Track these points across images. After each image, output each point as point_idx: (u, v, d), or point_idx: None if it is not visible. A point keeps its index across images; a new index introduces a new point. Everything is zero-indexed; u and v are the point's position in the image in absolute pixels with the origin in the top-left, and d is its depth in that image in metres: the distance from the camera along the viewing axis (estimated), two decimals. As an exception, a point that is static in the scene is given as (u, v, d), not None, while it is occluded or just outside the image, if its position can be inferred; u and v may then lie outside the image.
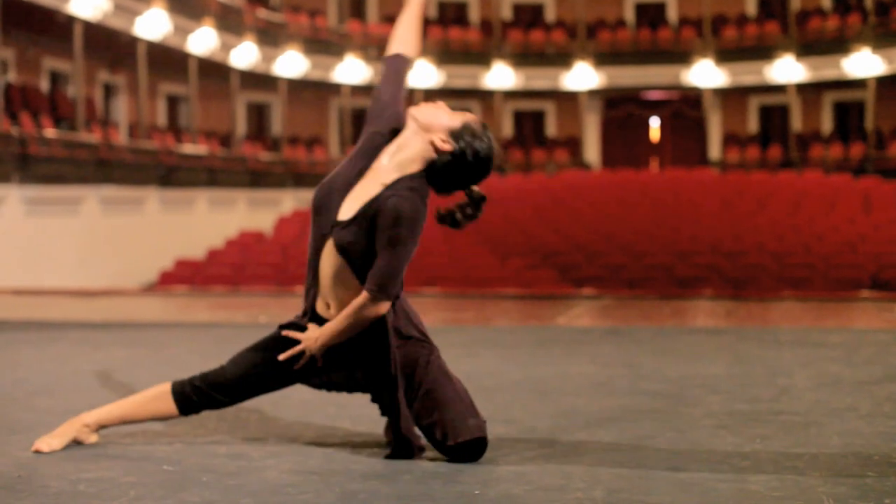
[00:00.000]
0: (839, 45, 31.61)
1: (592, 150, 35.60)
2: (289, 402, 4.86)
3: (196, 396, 3.92)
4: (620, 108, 36.26)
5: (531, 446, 4.02)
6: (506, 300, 12.84)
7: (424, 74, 33.05)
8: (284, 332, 3.89)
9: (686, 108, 35.83)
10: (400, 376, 3.81)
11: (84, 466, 3.69)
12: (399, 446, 3.81)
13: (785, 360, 6.59)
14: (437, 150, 3.80)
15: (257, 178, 28.66)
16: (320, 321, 3.89)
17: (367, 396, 3.98)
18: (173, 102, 31.00)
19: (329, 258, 3.83)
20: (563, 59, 34.31)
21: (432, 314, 10.19)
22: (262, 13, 30.17)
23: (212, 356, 5.96)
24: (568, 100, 35.22)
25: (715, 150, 35.01)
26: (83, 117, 22.47)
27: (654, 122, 36.62)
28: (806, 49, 32.36)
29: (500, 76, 34.06)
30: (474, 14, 36.84)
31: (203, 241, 22.32)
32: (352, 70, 32.00)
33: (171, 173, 24.61)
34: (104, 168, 21.89)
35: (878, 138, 31.46)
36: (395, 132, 3.90)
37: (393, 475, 3.58)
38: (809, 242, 19.05)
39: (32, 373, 6.19)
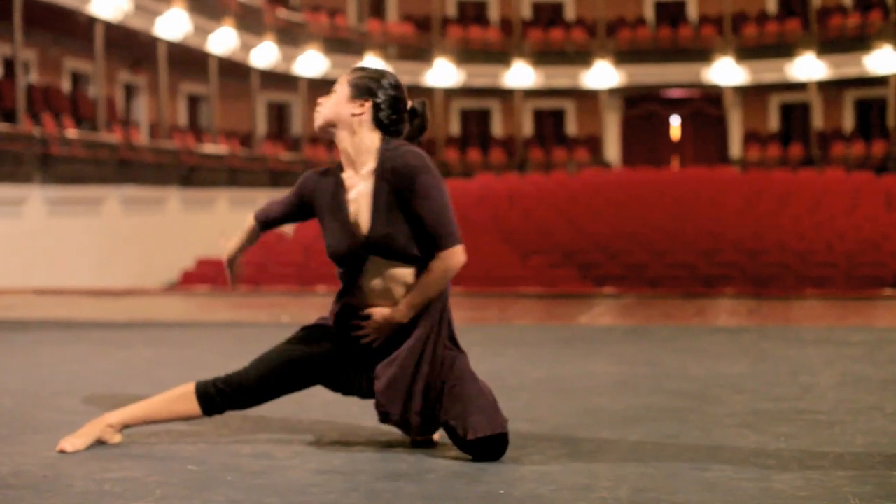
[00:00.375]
0: (860, 42, 31.52)
1: (613, 149, 35.55)
2: (312, 402, 4.86)
3: (219, 398, 3.92)
4: (641, 107, 36.22)
5: (555, 445, 4.02)
6: (527, 299, 12.82)
7: (444, 74, 33.07)
8: (367, 311, 3.88)
9: (706, 106, 35.76)
10: (422, 368, 3.81)
11: (109, 466, 3.70)
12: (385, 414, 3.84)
13: (808, 358, 6.56)
14: (362, 117, 3.83)
15: (278, 177, 28.71)
16: (357, 315, 3.90)
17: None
18: (194, 102, 31.08)
19: (374, 268, 3.84)
20: (583, 58, 34.28)
21: (454, 313, 10.14)
22: (283, 13, 30.23)
23: (234, 356, 5.97)
24: (588, 98, 35.19)
25: (736, 148, 34.93)
26: (104, 118, 22.56)
27: (675, 121, 36.55)
28: (827, 46, 32.26)
29: (520, 75, 34.04)
30: (494, 13, 36.83)
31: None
32: (372, 69, 31.99)
33: (191, 173, 24.68)
34: (125, 168, 21.97)
35: (900, 136, 31.36)
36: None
37: (417, 474, 3.58)
38: (831, 241, 18.98)
39: (55, 372, 6.21)
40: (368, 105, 3.84)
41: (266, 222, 4.12)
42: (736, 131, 35.14)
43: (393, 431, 4.27)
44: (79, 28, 22.69)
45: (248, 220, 4.13)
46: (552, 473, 3.58)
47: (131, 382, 5.72)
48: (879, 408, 4.81)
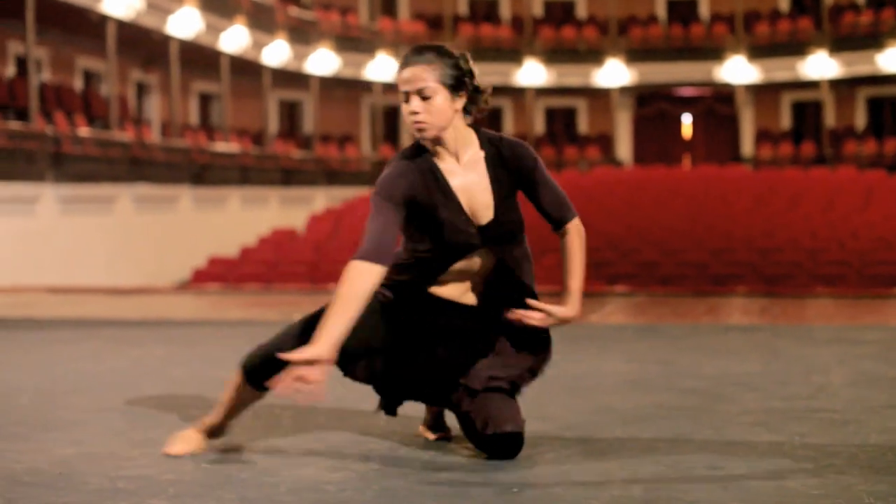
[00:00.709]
0: (873, 40, 31.43)
1: (624, 147, 35.52)
2: (324, 399, 4.85)
3: (262, 366, 3.77)
4: (652, 105, 36.16)
5: (568, 443, 4.02)
6: (539, 297, 12.79)
7: (456, 72, 33.03)
8: (532, 303, 4.03)
9: (718, 104, 35.69)
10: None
11: (123, 464, 3.70)
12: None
13: (821, 357, 6.55)
14: (460, 110, 3.81)
15: (289, 175, 28.74)
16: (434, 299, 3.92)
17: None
18: (205, 101, 31.12)
19: (482, 257, 3.90)
20: (594, 56, 34.23)
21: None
22: (294, 11, 30.24)
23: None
24: (600, 97, 35.15)
25: (747, 146, 34.87)
26: (116, 116, 22.59)
27: (687, 119, 36.50)
28: (839, 44, 32.17)
29: (532, 73, 34.01)
30: (505, 11, 36.80)
31: (236, 239, 22.39)
32: (383, 67, 32.03)
33: (203, 171, 24.71)
34: (137, 166, 22.00)
35: (912, 134, 31.30)
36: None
37: (431, 472, 3.58)
38: (844, 239, 18.94)
39: (68, 370, 6.22)
40: (464, 97, 3.82)
41: (390, 254, 3.74)
42: (748, 130, 35.07)
43: (406, 429, 4.27)
44: (91, 26, 22.72)
45: (362, 273, 3.68)
46: (565, 471, 3.58)
47: (144, 380, 5.73)
48: (893, 406, 4.80)
